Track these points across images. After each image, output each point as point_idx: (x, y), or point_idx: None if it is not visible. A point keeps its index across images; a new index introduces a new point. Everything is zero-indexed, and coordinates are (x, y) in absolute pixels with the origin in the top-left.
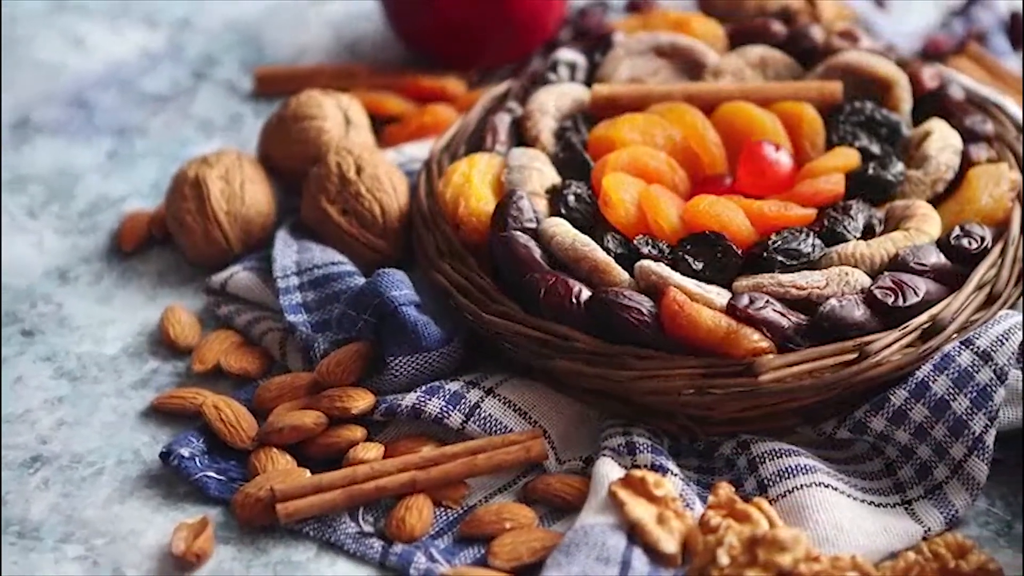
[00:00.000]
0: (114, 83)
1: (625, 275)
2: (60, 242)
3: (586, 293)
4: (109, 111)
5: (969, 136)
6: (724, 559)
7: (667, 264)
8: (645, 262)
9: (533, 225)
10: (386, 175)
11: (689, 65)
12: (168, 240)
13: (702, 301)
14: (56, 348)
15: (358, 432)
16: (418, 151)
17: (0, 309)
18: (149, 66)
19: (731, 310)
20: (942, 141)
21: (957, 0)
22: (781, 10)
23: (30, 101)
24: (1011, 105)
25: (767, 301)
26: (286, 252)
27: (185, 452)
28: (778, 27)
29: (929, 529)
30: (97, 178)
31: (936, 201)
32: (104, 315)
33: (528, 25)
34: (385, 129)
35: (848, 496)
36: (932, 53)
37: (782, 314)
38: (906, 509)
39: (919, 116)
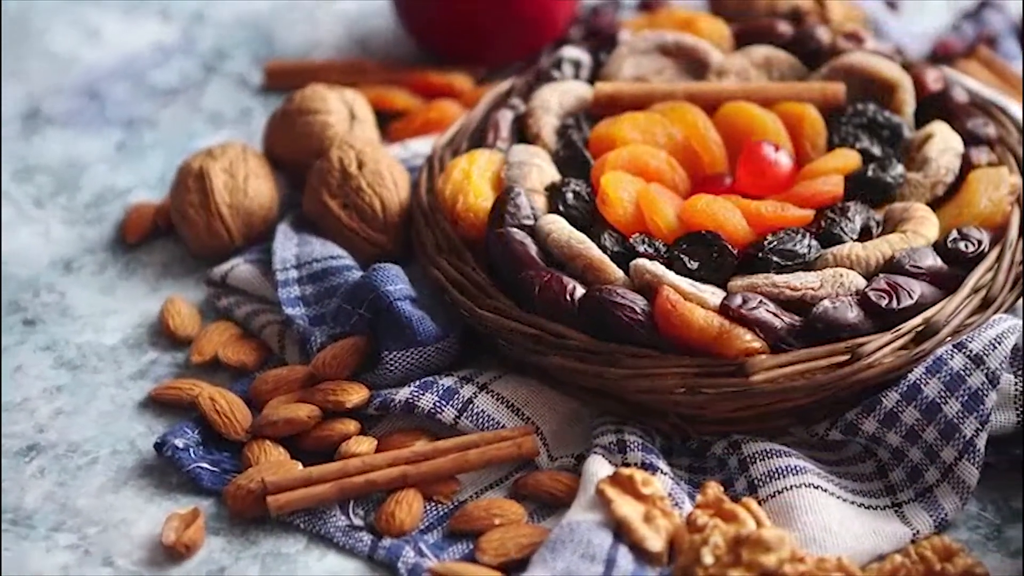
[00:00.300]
0: (126, 75)
1: (620, 273)
2: (66, 232)
3: (580, 291)
4: (120, 103)
5: (970, 139)
6: (708, 558)
7: (663, 263)
8: (640, 260)
9: (530, 222)
10: (388, 170)
11: (694, 64)
12: (172, 232)
13: (696, 300)
14: (57, 337)
15: (351, 426)
16: (423, 147)
17: (2, 298)
18: (161, 59)
19: (724, 310)
20: (943, 144)
21: (969, 2)
22: (791, 11)
23: (42, 92)
24: (1015, 108)
25: (760, 301)
26: (286, 245)
27: (179, 443)
28: (784, 27)
29: (918, 532)
30: (105, 169)
31: (936, 204)
32: (106, 305)
33: (537, 23)
34: (391, 124)
35: (838, 498)
36: (941, 55)
37: (775, 315)
38: (896, 511)
39: (922, 118)
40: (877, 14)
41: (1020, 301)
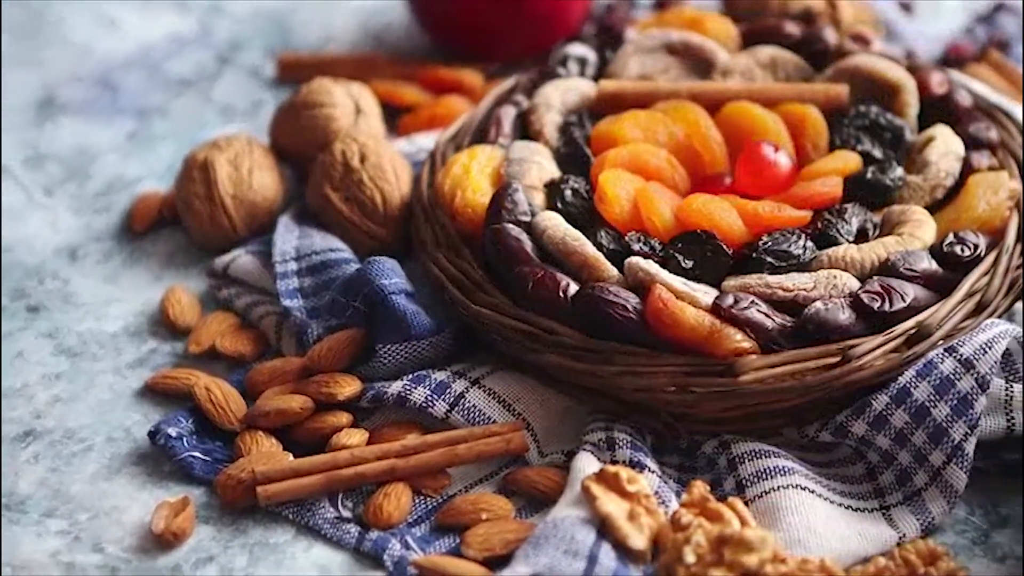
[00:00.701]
0: (141, 65)
1: (614, 271)
2: (73, 220)
3: (574, 288)
4: (133, 93)
5: (972, 143)
6: (690, 557)
7: (657, 261)
8: (634, 259)
9: (527, 218)
10: (390, 164)
11: (699, 63)
12: (178, 222)
13: (688, 299)
14: (59, 325)
15: (343, 418)
16: (429, 142)
17: (8, 284)
18: (176, 50)
19: (715, 309)
20: (944, 147)
21: (985, 3)
22: (802, 11)
23: (57, 80)
24: (1019, 112)
25: (752, 301)
26: (287, 237)
27: (172, 432)
28: (792, 28)
29: (904, 535)
30: (115, 158)
31: (935, 207)
32: (109, 294)
33: (551, 19)
34: (400, 119)
35: (825, 499)
36: (953, 59)
37: (767, 315)
38: (883, 514)
39: (926, 121)
40: (891, 16)
41: (1020, 305)
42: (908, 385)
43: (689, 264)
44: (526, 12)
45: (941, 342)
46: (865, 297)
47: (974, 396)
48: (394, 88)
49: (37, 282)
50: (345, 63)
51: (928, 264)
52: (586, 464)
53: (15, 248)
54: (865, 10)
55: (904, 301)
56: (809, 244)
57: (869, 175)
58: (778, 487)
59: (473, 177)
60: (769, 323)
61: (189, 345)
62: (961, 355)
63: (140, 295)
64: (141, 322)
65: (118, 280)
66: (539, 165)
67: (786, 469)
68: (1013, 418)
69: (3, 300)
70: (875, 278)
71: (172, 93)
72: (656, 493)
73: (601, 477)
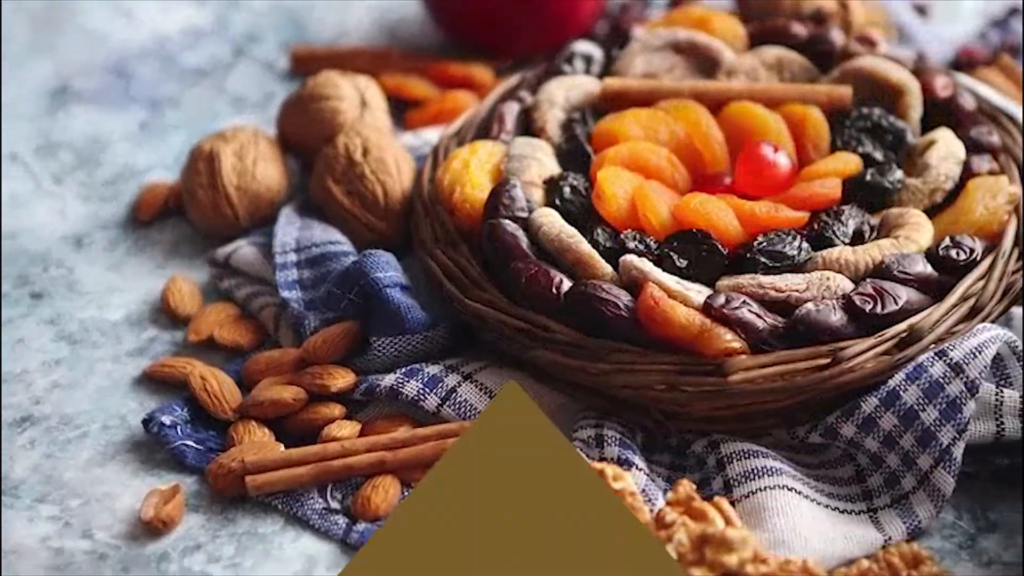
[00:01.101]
0: (156, 56)
1: (608, 269)
2: (81, 208)
3: (567, 284)
4: (146, 83)
5: (973, 147)
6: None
7: (652, 260)
8: (628, 257)
9: (524, 214)
10: (392, 158)
11: (705, 63)
12: (184, 212)
13: (680, 298)
14: (61, 312)
15: (336, 410)
16: (435, 136)
17: (10, 271)
18: (191, 41)
19: (707, 309)
20: (945, 151)
21: (1000, 6)
22: (815, 12)
23: (72, 69)
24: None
25: (744, 301)
26: (287, 229)
27: (166, 420)
28: (799, 28)
29: (890, 538)
30: (126, 147)
31: (934, 211)
32: (112, 282)
33: (563, 16)
34: (407, 113)
35: (812, 501)
36: (964, 62)
37: (758, 315)
38: (871, 517)
39: (929, 125)
40: (905, 18)
41: (1018, 310)
42: (898, 388)
43: (684, 263)
44: (539, 9)
45: (932, 346)
46: (857, 299)
47: (963, 400)
48: (403, 82)
49: (42, 269)
50: (358, 57)
51: (923, 267)
52: None
53: (22, 235)
54: (878, 12)
55: (896, 304)
56: (804, 245)
57: (868, 177)
58: (765, 488)
59: (472, 173)
60: (760, 323)
61: (188, 334)
62: (951, 359)
63: (143, 284)
64: (143, 311)
65: (122, 269)
66: (539, 162)
67: (774, 470)
68: (1003, 423)
69: (7, 287)
70: (868, 280)
71: (186, 84)
72: (643, 491)
73: None
